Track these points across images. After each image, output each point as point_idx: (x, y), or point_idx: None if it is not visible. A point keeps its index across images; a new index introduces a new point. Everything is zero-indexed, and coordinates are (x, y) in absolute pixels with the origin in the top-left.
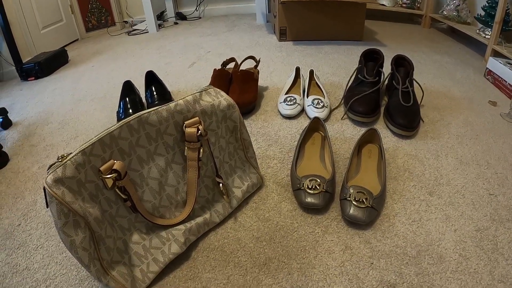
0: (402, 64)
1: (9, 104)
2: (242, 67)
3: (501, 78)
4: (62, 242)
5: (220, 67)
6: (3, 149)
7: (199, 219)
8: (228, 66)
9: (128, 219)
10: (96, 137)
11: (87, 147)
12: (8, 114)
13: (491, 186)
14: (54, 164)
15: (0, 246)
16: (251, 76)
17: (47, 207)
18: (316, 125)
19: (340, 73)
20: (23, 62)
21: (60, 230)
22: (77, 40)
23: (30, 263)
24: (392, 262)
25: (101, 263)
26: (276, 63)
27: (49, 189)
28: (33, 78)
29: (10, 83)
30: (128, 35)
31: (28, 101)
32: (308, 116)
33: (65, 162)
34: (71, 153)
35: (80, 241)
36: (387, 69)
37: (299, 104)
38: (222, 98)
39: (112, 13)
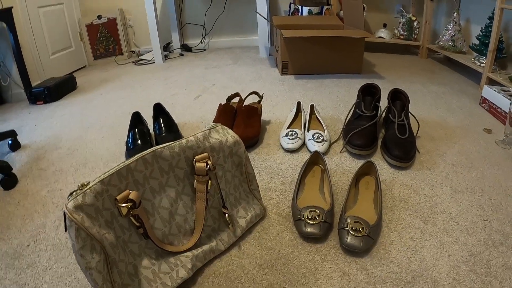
0: (398, 98)
1: (17, 127)
2: (246, 102)
3: (496, 106)
4: (72, 265)
5: (225, 101)
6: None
7: (206, 247)
8: (232, 101)
9: (139, 245)
10: (114, 169)
11: (105, 178)
12: (17, 137)
13: (485, 212)
14: (75, 191)
15: (9, 265)
16: (254, 111)
17: (66, 231)
18: (316, 159)
19: (340, 107)
20: (32, 86)
21: (78, 253)
22: (84, 67)
23: (39, 283)
24: (388, 287)
25: (113, 285)
26: (279, 97)
27: (69, 215)
28: (42, 102)
29: (18, 105)
30: (135, 64)
31: (37, 125)
32: (308, 150)
33: (86, 190)
34: (89, 182)
35: (96, 263)
36: (384, 101)
37: (300, 138)
38: (229, 136)
39: (120, 42)
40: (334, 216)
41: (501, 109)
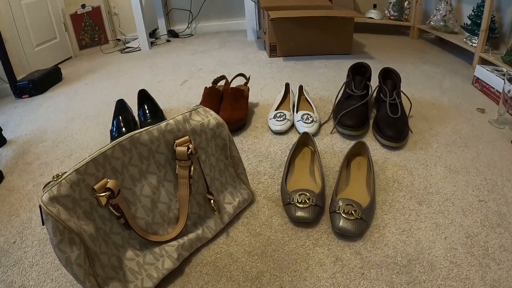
0: (390, 76)
1: (3, 122)
2: (233, 85)
3: (489, 85)
4: (57, 259)
5: (211, 85)
6: None
7: (192, 235)
8: (218, 84)
9: (122, 236)
10: (89, 157)
11: (81, 167)
12: (3, 132)
13: (480, 193)
14: (49, 183)
15: None
16: (241, 94)
17: (43, 225)
18: (305, 140)
19: (330, 87)
20: (17, 79)
21: (56, 247)
22: (70, 57)
23: (26, 280)
24: (382, 272)
25: (96, 279)
26: (267, 79)
27: (44, 207)
28: (27, 95)
29: (4, 100)
30: (121, 53)
31: (22, 119)
32: (298, 131)
33: (60, 181)
34: (65, 172)
35: (75, 257)
36: (375, 81)
37: (288, 119)
38: (211, 117)
39: (105, 30)
40: (325, 199)
41: (494, 88)
